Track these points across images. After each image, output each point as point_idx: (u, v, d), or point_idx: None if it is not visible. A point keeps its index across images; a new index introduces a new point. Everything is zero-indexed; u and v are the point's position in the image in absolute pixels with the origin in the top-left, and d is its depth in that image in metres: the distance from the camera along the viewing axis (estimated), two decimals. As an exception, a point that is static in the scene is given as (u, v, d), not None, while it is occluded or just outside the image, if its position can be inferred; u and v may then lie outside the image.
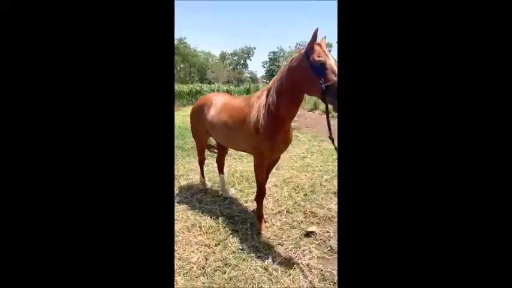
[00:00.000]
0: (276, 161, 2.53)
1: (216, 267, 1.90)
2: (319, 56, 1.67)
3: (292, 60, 1.88)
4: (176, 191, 3.27)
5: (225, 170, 3.89)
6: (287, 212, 2.70)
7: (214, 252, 2.07)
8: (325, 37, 1.89)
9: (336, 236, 2.27)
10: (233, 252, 2.06)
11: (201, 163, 3.25)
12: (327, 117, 1.84)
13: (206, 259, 1.98)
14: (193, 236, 2.29)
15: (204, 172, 3.35)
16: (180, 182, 3.58)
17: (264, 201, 2.91)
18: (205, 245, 2.16)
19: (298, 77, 1.80)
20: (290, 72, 1.87)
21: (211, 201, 2.97)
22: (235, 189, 3.30)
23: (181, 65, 38.80)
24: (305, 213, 2.66)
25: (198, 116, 2.76)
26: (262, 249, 2.10)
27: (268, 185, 3.38)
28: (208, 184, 3.43)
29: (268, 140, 2.07)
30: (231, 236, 2.30)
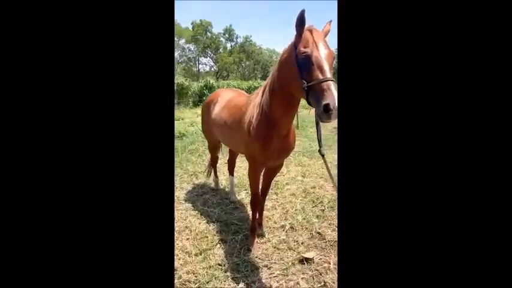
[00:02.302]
0: (279, 168, 2.19)
1: (184, 281, 1.72)
2: (304, 47, 1.30)
3: (284, 51, 1.54)
4: (189, 188, 3.22)
5: (244, 171, 3.70)
6: (291, 228, 2.35)
7: (191, 262, 1.90)
8: (330, 21, 1.49)
9: (336, 271, 1.83)
10: (210, 266, 1.85)
11: (214, 162, 3.11)
12: (317, 126, 1.45)
13: (175, 270, 1.81)
14: (180, 240, 2.16)
15: (218, 171, 3.21)
16: (198, 178, 3.54)
17: (271, 212, 2.63)
18: (186, 252, 2.00)
19: (286, 73, 1.45)
20: (280, 66, 1.54)
21: (217, 203, 2.81)
22: (247, 192, 3.07)
23: (247, 63, 40.06)
24: (311, 233, 2.26)
25: (206, 113, 2.61)
26: (243, 270, 1.83)
27: (285, 193, 3.06)
28: (223, 184, 3.28)
29: (259, 145, 1.77)
30: (217, 246, 2.09)
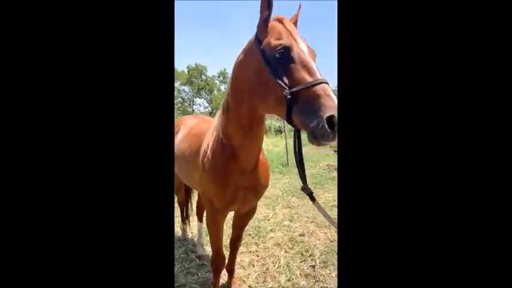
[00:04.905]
0: (251, 213, 1.68)
1: None
2: (278, 38, 0.92)
3: (239, 54, 1.15)
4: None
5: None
6: (271, 295, 1.75)
7: None
8: (299, 7, 1.14)
9: None
10: None
11: (180, 204, 2.57)
12: (298, 154, 0.99)
13: None
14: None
15: (185, 216, 2.65)
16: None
17: (247, 270, 2.04)
18: None
19: (246, 79, 1.05)
20: (235, 74, 1.15)
21: (179, 259, 2.21)
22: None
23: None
24: (297, 304, 1.67)
25: (168, 144, 2.17)
26: None
27: (268, 243, 2.49)
28: (192, 233, 2.70)
29: (214, 183, 1.30)
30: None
